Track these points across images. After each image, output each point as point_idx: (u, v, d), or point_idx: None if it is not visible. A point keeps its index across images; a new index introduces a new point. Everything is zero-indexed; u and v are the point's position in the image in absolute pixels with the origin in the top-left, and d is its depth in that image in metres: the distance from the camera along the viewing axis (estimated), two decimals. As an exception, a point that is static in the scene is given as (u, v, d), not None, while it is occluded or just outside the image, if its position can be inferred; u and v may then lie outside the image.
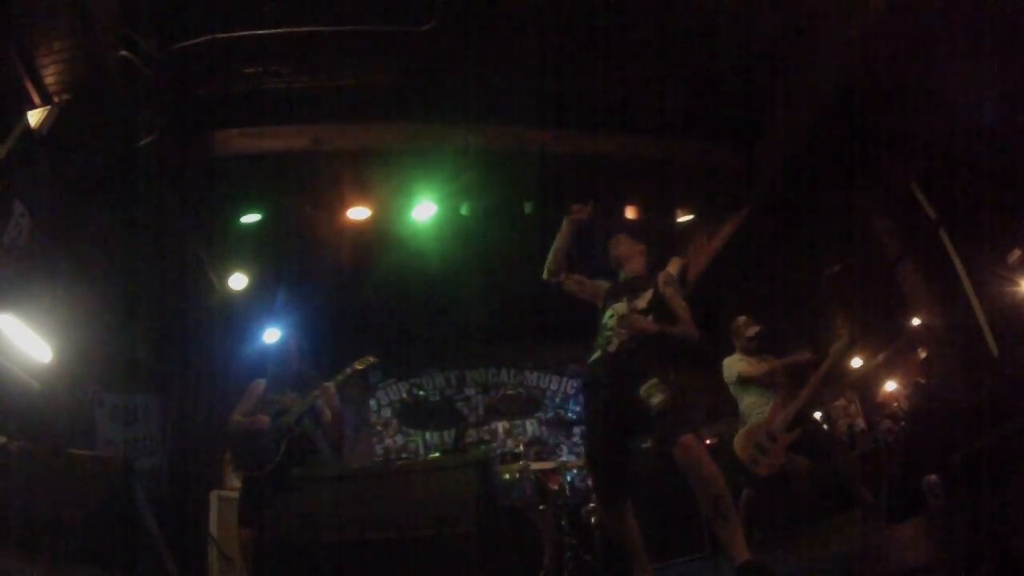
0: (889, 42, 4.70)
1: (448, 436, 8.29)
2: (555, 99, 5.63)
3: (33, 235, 4.22)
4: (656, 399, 3.41)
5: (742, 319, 5.72)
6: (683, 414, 3.47)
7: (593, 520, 5.96)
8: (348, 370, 4.74)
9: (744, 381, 5.50)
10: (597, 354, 3.84)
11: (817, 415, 7.54)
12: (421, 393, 9.12)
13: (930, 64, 4.88)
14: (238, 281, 6.89)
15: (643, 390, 3.44)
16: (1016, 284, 5.40)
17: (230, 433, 4.68)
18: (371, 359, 4.84)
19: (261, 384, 4.77)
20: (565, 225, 4.18)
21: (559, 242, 4.19)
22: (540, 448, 8.23)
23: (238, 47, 4.85)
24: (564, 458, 8.48)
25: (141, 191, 5.31)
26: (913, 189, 5.81)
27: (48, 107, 4.42)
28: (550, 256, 4.22)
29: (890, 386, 7.63)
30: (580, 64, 5.38)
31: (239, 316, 7.26)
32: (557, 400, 9.42)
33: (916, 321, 6.60)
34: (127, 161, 4.95)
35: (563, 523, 5.70)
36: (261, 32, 4.75)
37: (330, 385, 4.65)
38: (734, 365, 5.59)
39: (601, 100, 5.72)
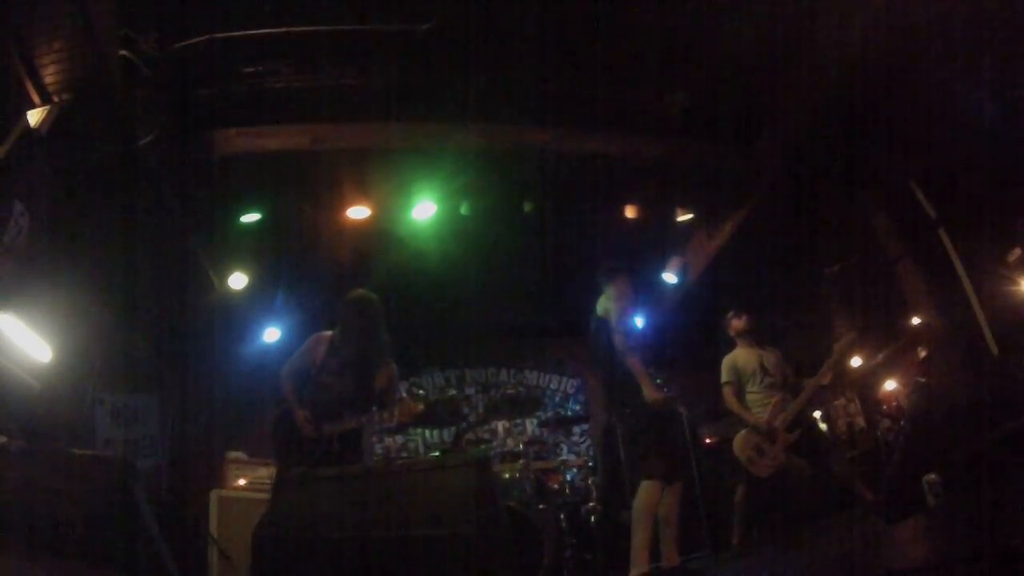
0: (889, 42, 4.70)
1: (448, 435, 8.30)
2: (555, 99, 5.63)
3: (33, 235, 4.22)
4: None
5: (730, 313, 5.76)
6: None
7: (593, 519, 5.97)
8: (420, 405, 4.33)
9: (747, 377, 5.51)
10: None
11: (816, 414, 7.55)
12: (420, 392, 9.11)
13: (930, 64, 4.88)
14: (238, 281, 6.89)
15: None
16: (1016, 283, 5.40)
17: (280, 386, 4.30)
18: (454, 394, 4.43)
19: (324, 343, 4.33)
20: None
21: None
22: (540, 447, 8.23)
23: (238, 47, 4.86)
24: (564, 457, 8.49)
25: (141, 191, 5.31)
26: (913, 189, 5.81)
27: (48, 107, 4.41)
28: None
29: (890, 385, 7.62)
30: (580, 64, 5.38)
31: (239, 316, 7.26)
32: (557, 399, 9.42)
33: (916, 320, 6.61)
34: (127, 161, 4.95)
35: (563, 522, 5.70)
36: (261, 32, 4.76)
37: (412, 407, 4.21)
38: (736, 360, 5.61)
39: (601, 100, 5.71)
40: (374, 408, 4.22)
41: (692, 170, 6.49)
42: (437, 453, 7.74)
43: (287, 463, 4.20)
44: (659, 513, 4.17)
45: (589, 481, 7.46)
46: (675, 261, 7.75)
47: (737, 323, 5.71)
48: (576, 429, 9.07)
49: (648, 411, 4.22)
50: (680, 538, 4.24)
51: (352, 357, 4.33)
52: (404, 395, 4.27)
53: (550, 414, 9.14)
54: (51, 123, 4.39)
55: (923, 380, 6.46)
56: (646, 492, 4.15)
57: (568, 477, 6.63)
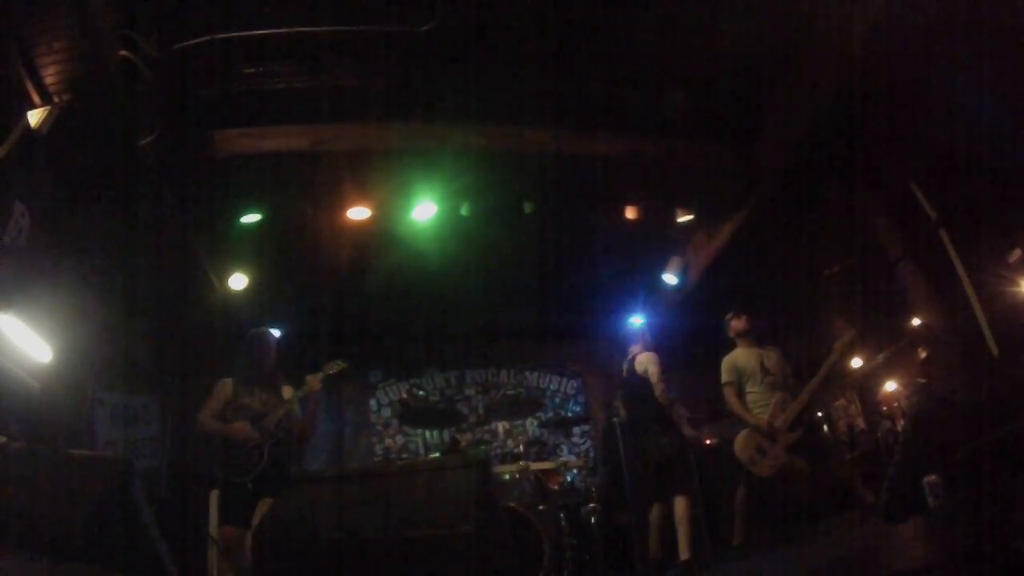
0: (889, 42, 4.70)
1: (448, 436, 8.30)
2: (555, 99, 5.63)
3: (33, 235, 4.22)
4: None
5: (729, 314, 5.79)
6: None
7: (593, 520, 5.97)
8: (321, 373, 4.83)
9: (748, 377, 5.52)
10: None
11: (818, 415, 7.55)
12: (421, 393, 9.11)
13: (930, 64, 4.88)
14: (238, 282, 6.89)
15: None
16: (1016, 284, 5.40)
17: (201, 435, 4.68)
18: (341, 363, 5.00)
19: (228, 384, 4.72)
20: None
21: None
22: (540, 448, 8.23)
23: (238, 47, 4.85)
24: (564, 458, 8.49)
25: (141, 191, 5.31)
26: (913, 189, 5.81)
27: (48, 107, 4.42)
28: None
29: (890, 386, 7.63)
30: (580, 64, 5.37)
31: (239, 316, 7.25)
32: (557, 400, 9.42)
33: (916, 321, 6.61)
34: (127, 161, 4.95)
35: (563, 523, 5.70)
36: (261, 32, 4.75)
37: (314, 380, 4.74)
38: (736, 361, 5.61)
39: (601, 100, 5.71)
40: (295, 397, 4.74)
41: (692, 170, 6.48)
42: (437, 454, 7.74)
43: (234, 475, 4.44)
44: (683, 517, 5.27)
45: (589, 482, 7.45)
46: (675, 262, 7.75)
47: (736, 323, 5.72)
48: (576, 430, 9.06)
49: (678, 443, 5.50)
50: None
51: (259, 379, 4.77)
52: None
53: (550, 415, 9.14)
54: (51, 123, 4.40)
55: (923, 381, 6.47)
56: (684, 504, 5.26)
57: (568, 478, 6.64)
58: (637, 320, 6.67)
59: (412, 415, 8.64)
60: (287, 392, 4.76)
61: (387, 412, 9.02)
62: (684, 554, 5.11)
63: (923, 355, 6.79)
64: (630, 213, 6.80)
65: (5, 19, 3.99)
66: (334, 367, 4.99)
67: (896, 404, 7.32)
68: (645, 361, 5.74)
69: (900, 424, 6.76)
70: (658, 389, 5.53)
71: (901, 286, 6.37)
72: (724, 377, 5.57)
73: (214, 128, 5.53)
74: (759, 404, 5.41)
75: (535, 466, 6.15)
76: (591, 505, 6.09)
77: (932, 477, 4.20)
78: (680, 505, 5.26)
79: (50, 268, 4.50)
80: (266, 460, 4.40)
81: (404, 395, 9.13)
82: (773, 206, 6.59)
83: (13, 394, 4.02)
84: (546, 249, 7.37)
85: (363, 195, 6.23)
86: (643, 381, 5.66)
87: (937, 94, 5.11)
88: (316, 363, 5.02)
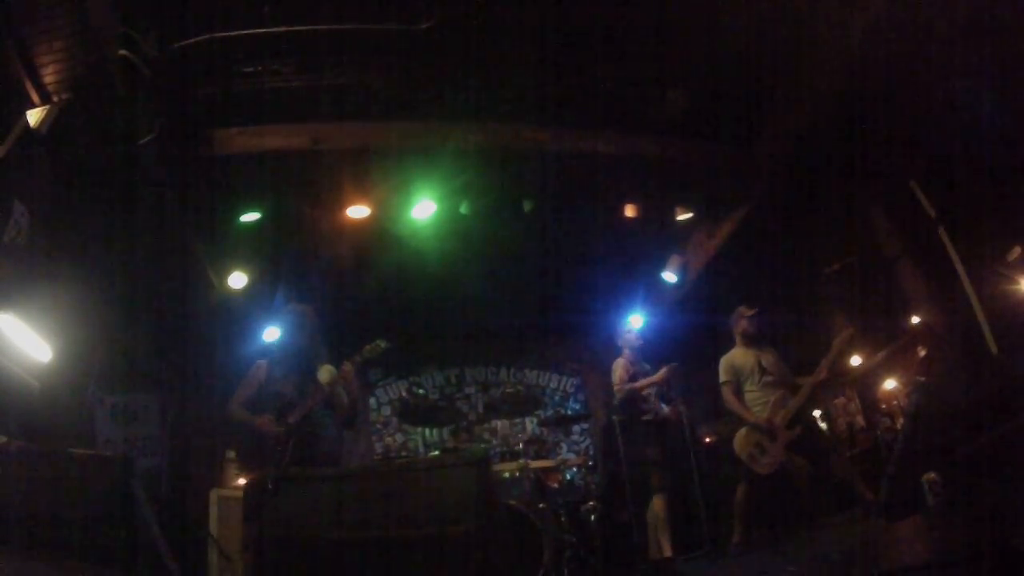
0: (889, 41, 4.70)
1: (448, 434, 8.30)
2: (555, 99, 5.63)
3: (33, 235, 4.22)
4: None
5: (745, 310, 5.77)
6: None
7: (593, 518, 5.97)
8: (358, 357, 4.58)
9: (745, 376, 5.52)
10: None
11: (816, 413, 7.56)
12: (420, 391, 9.11)
13: (929, 63, 4.88)
14: (238, 280, 6.89)
15: None
16: (1015, 282, 5.41)
17: (230, 422, 4.57)
18: (382, 344, 4.65)
19: (263, 368, 4.61)
20: None
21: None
22: (539, 446, 8.23)
23: (238, 46, 4.85)
24: (564, 456, 8.49)
25: (141, 191, 5.31)
26: (912, 187, 5.81)
27: (48, 106, 4.42)
28: None
29: (890, 384, 7.63)
30: (580, 64, 5.37)
31: (239, 316, 7.26)
32: (556, 398, 9.42)
33: (915, 319, 6.61)
34: (127, 161, 4.95)
35: (563, 521, 5.71)
36: (261, 31, 4.75)
37: (349, 368, 4.50)
38: (735, 360, 5.62)
39: (601, 100, 5.71)
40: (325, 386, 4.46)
41: (692, 169, 6.49)
42: (436, 452, 7.74)
43: (257, 469, 4.39)
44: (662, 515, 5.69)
45: (589, 480, 7.44)
46: (674, 260, 7.76)
47: (747, 324, 5.70)
48: (576, 428, 9.06)
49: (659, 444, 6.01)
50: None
51: (295, 359, 4.61)
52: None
53: (550, 413, 9.14)
54: (51, 123, 4.40)
55: (923, 379, 6.46)
56: (659, 503, 5.74)
57: (568, 476, 6.64)
58: (636, 322, 7.07)
59: (412, 413, 8.63)
60: (325, 374, 4.47)
61: (387, 410, 9.02)
62: (665, 551, 5.52)
63: (922, 353, 6.78)
64: (629, 211, 6.80)
65: (5, 19, 3.98)
66: (376, 349, 4.60)
67: (895, 402, 7.33)
68: (613, 367, 6.41)
69: (899, 422, 6.76)
70: (616, 389, 6.25)
71: (900, 284, 6.38)
72: (722, 376, 5.59)
73: (214, 127, 5.52)
74: (757, 403, 5.42)
75: (535, 464, 6.16)
76: (591, 503, 6.09)
77: (931, 475, 4.22)
78: (655, 504, 5.70)
79: (50, 268, 4.50)
80: (289, 457, 4.22)
81: (404, 393, 9.12)
82: (772, 204, 6.60)
83: (13, 394, 4.03)
84: (546, 247, 7.38)
85: (363, 193, 6.23)
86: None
87: (936, 93, 5.11)
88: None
